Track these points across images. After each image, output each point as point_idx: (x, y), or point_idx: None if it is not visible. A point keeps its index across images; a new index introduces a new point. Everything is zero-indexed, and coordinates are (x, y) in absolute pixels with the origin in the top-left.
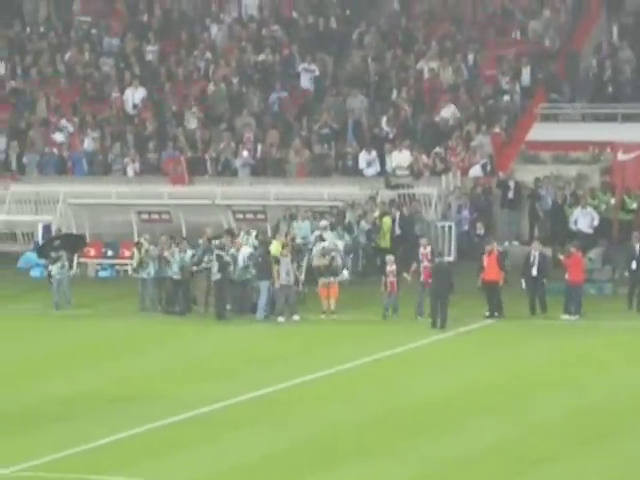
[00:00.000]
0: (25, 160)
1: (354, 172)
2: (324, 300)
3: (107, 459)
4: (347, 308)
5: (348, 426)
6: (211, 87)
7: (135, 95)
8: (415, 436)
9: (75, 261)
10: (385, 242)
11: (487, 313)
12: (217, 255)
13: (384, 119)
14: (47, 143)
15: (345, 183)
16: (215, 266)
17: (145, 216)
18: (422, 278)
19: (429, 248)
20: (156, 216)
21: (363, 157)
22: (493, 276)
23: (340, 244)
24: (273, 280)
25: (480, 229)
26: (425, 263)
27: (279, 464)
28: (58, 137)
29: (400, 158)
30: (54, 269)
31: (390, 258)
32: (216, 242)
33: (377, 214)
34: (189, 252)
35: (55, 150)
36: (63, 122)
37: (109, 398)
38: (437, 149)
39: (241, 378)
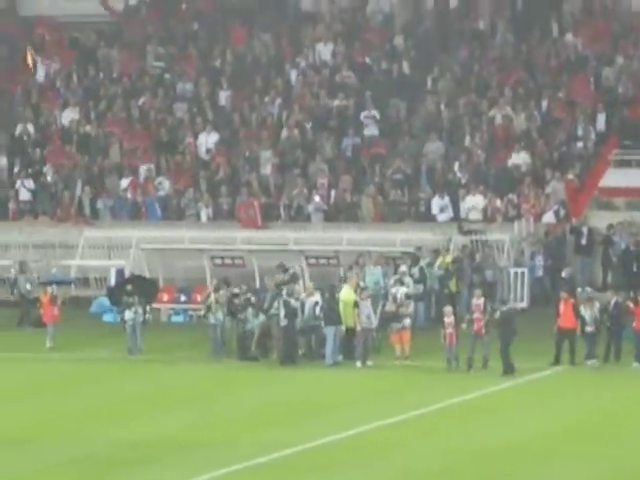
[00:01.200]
0: (99, 205)
1: (427, 218)
2: (397, 346)
3: None
4: (421, 354)
5: (422, 472)
6: (284, 132)
7: (208, 140)
8: None
9: (148, 307)
10: (454, 287)
11: (553, 360)
12: (284, 301)
13: (457, 164)
14: (120, 188)
15: (418, 229)
16: (282, 312)
17: (218, 261)
18: (474, 329)
19: (482, 300)
20: (229, 261)
21: (436, 202)
22: (570, 324)
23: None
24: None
25: (566, 273)
26: (477, 314)
27: None
28: (132, 182)
29: (473, 202)
30: (127, 314)
31: (448, 309)
32: (284, 288)
33: (450, 259)
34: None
35: (129, 195)
36: (141, 167)
37: (181, 443)
38: (510, 195)
39: (311, 424)
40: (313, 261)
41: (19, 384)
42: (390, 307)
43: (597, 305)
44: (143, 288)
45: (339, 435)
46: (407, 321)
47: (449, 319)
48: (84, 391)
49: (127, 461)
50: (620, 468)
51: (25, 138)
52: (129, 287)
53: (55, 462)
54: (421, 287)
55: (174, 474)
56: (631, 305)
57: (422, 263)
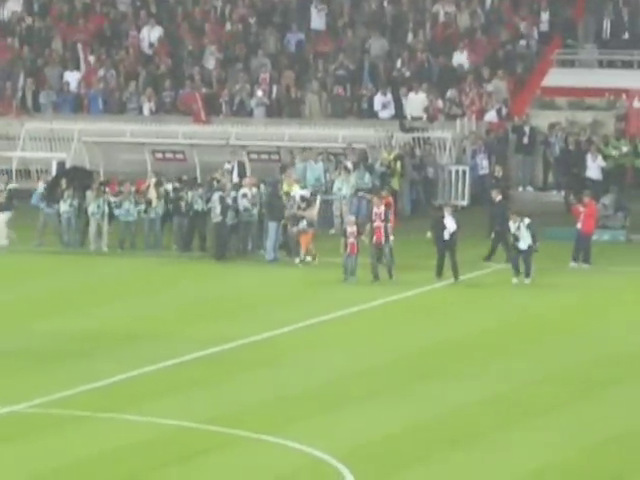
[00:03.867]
0: (41, 98)
1: (369, 114)
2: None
3: (117, 397)
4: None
5: (355, 371)
6: (228, 26)
7: (151, 34)
8: (425, 380)
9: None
10: (396, 184)
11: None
12: (220, 197)
13: (399, 61)
14: (62, 81)
15: (360, 125)
16: (218, 208)
17: (160, 155)
18: (375, 240)
19: (382, 208)
20: (170, 155)
21: (378, 99)
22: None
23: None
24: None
25: (499, 172)
26: (377, 223)
27: (287, 406)
28: (73, 75)
29: (416, 99)
30: (62, 206)
31: (351, 219)
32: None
33: (392, 156)
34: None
35: (71, 88)
36: (80, 59)
37: (120, 336)
38: (452, 93)
39: (247, 319)
40: (255, 156)
41: None
42: (290, 210)
43: (526, 221)
44: (80, 179)
45: (278, 331)
46: (304, 223)
47: (352, 228)
48: (20, 284)
49: (67, 353)
50: (553, 363)
51: None
52: (64, 180)
53: None
54: (369, 183)
55: (109, 367)
56: (581, 208)
57: (371, 159)
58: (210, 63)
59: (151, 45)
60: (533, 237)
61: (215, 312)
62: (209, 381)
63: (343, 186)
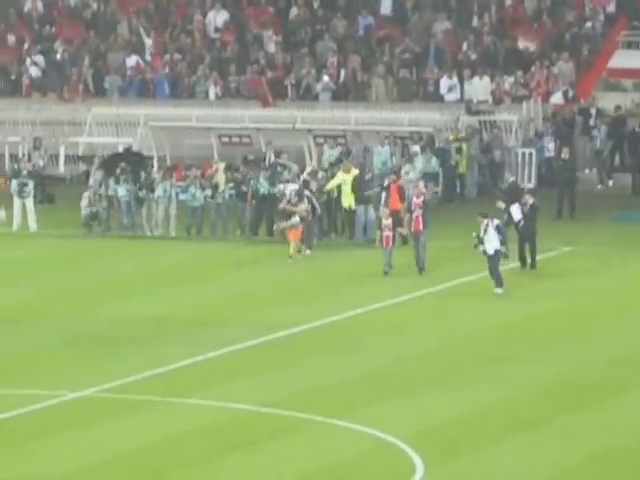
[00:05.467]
0: (107, 82)
1: (435, 98)
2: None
3: (185, 381)
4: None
5: (420, 354)
6: (293, 10)
7: (217, 18)
8: (490, 363)
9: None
10: (462, 168)
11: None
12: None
13: (465, 44)
14: (128, 66)
15: (426, 108)
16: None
17: (226, 139)
18: (413, 229)
19: (422, 198)
20: (237, 139)
21: (444, 82)
22: None
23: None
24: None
25: (565, 154)
26: (417, 212)
27: (355, 389)
28: (140, 60)
29: (482, 82)
30: (120, 191)
31: (385, 211)
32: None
33: (457, 139)
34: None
35: (137, 73)
36: (146, 44)
37: (188, 321)
38: (518, 76)
39: (313, 304)
40: (321, 140)
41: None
42: (282, 205)
43: (495, 222)
44: (137, 164)
45: (344, 315)
46: (296, 219)
47: (387, 221)
48: (88, 269)
49: (133, 338)
50: (617, 345)
51: (34, 14)
52: (123, 163)
53: (62, 338)
54: (435, 167)
55: (177, 352)
56: None
57: (439, 142)
58: (271, 48)
59: (217, 29)
60: (502, 240)
61: (282, 296)
62: (277, 365)
63: (410, 170)
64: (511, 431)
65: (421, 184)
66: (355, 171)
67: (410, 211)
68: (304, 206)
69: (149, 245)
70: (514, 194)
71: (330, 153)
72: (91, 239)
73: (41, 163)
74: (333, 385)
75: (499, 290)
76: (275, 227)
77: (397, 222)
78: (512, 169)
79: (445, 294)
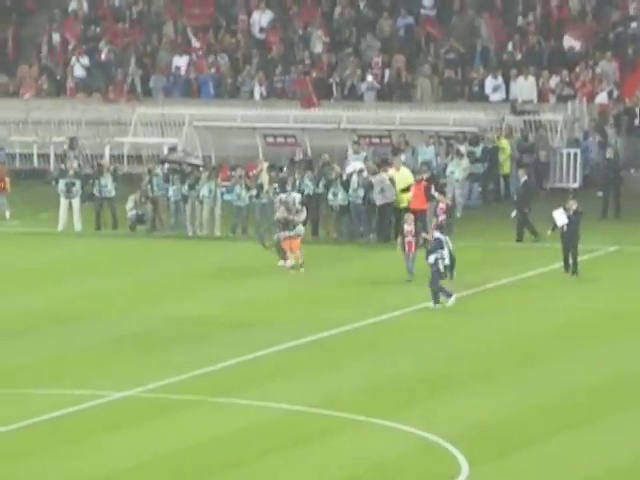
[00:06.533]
0: (152, 82)
1: (480, 97)
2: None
3: (230, 381)
4: (476, 234)
5: (464, 354)
6: (337, 10)
7: (262, 18)
8: (535, 363)
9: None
10: (506, 168)
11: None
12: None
13: (510, 44)
14: (173, 66)
15: (471, 108)
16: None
17: (271, 139)
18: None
19: (445, 204)
20: (281, 140)
21: (489, 82)
22: None
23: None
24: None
25: (610, 154)
26: (441, 217)
27: (398, 389)
28: (183, 60)
29: (527, 82)
30: (170, 191)
31: (409, 217)
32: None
33: (505, 140)
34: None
35: (182, 73)
36: (192, 44)
37: (233, 321)
38: (563, 75)
39: (358, 304)
40: (366, 140)
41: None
42: (282, 214)
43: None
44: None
45: (388, 315)
46: (300, 228)
47: (409, 227)
48: (134, 269)
49: (178, 338)
50: None
51: (79, 14)
52: (174, 165)
53: (107, 338)
54: (481, 167)
55: (222, 352)
56: None
57: (485, 143)
58: (318, 47)
59: (262, 29)
60: (451, 256)
61: (327, 297)
62: (321, 365)
63: (456, 170)
64: (557, 431)
65: (424, 175)
66: (405, 170)
67: (436, 216)
68: (303, 216)
69: (194, 245)
70: (527, 195)
71: (353, 165)
72: (136, 239)
73: (75, 164)
74: (377, 385)
75: (450, 301)
76: (276, 237)
77: (422, 226)
78: (555, 169)
79: (487, 295)
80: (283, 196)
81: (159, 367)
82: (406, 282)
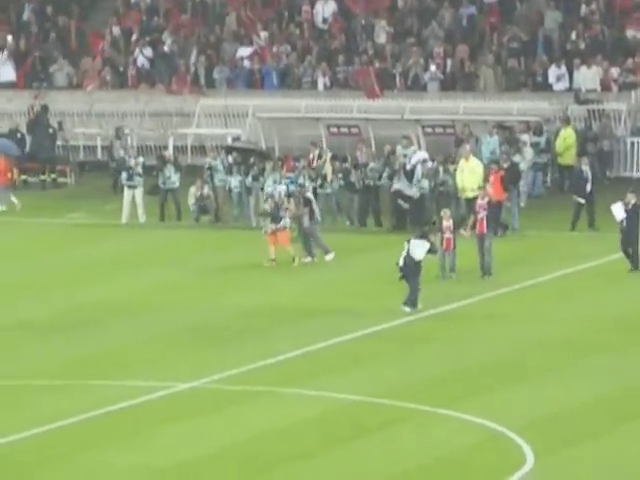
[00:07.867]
0: (215, 74)
1: (544, 87)
2: (271, 247)
3: (295, 372)
4: (536, 224)
5: (532, 344)
6: (400, 0)
7: (325, 9)
8: (601, 354)
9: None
10: (570, 158)
11: None
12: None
13: (574, 33)
14: (237, 57)
15: (534, 98)
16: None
17: (334, 130)
18: (478, 231)
19: (486, 199)
20: (345, 130)
21: (553, 72)
22: None
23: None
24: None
25: None
26: (482, 214)
27: (465, 379)
28: (247, 51)
29: (590, 71)
30: (233, 182)
31: (446, 212)
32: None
33: (570, 130)
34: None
35: (246, 64)
36: (254, 36)
37: (298, 311)
38: (627, 64)
39: (424, 293)
40: (429, 130)
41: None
42: (267, 206)
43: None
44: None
45: (455, 304)
46: (286, 221)
47: (447, 222)
48: (197, 260)
49: (242, 329)
50: None
51: (142, 5)
52: (236, 154)
53: (171, 330)
54: (545, 157)
55: (287, 342)
56: None
57: (548, 133)
58: (381, 38)
59: (325, 20)
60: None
61: (392, 286)
62: (386, 355)
63: (520, 161)
64: (622, 422)
65: (488, 186)
66: (474, 159)
67: (475, 213)
68: (293, 208)
69: (258, 236)
70: (514, 175)
71: (418, 155)
72: (200, 230)
73: (122, 153)
74: (442, 375)
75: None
76: (263, 231)
77: (496, 214)
78: (620, 158)
79: (552, 284)
80: (269, 190)
81: (224, 358)
82: (442, 279)
